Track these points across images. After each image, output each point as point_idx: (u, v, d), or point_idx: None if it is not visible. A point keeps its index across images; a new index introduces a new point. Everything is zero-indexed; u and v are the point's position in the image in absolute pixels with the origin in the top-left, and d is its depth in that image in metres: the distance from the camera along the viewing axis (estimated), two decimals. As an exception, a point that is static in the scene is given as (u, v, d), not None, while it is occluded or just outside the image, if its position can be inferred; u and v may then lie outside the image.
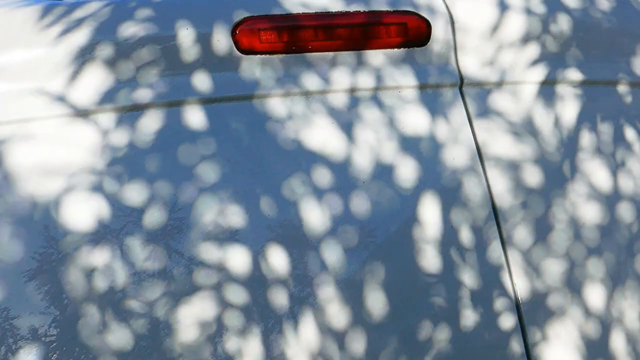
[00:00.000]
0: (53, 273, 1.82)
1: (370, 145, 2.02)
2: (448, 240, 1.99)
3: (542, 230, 2.06)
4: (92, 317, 1.81)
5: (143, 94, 1.94)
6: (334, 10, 2.04)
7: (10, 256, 1.82)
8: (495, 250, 2.01)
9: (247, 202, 1.92)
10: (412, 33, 2.08)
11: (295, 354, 1.87)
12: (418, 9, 2.08)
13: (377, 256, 1.95)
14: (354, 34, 2.04)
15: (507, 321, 1.99)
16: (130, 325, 1.82)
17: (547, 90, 2.15)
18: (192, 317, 1.84)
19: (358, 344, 1.91)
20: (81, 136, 1.90)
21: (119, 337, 1.81)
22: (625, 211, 2.14)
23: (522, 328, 2.00)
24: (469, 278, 1.98)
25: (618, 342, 2.06)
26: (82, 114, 1.91)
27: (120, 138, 1.91)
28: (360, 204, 1.97)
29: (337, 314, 1.90)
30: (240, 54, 1.99)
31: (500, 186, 2.06)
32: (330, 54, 2.04)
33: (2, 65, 1.91)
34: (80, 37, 1.94)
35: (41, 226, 1.84)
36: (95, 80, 1.93)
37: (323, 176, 1.97)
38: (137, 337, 1.82)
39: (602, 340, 2.05)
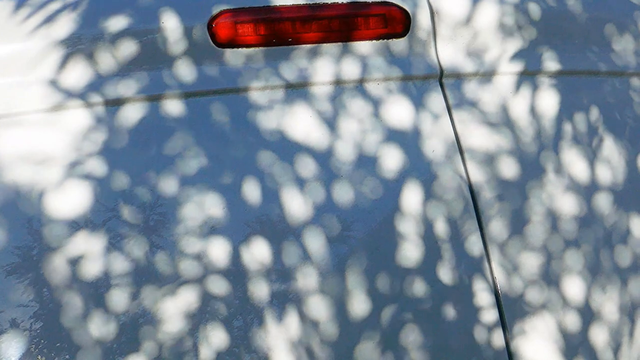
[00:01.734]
0: (35, 266, 1.82)
1: (350, 138, 2.01)
2: (428, 232, 1.99)
3: (522, 222, 2.06)
4: (74, 310, 1.81)
5: (120, 88, 1.93)
6: (312, 2, 2.02)
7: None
8: (475, 243, 2.01)
9: (229, 195, 1.91)
10: (392, 24, 2.06)
11: (277, 346, 1.88)
12: (397, -1, 2.07)
13: (357, 249, 1.95)
14: (332, 26, 2.03)
15: (487, 314, 1.99)
16: (113, 318, 1.82)
17: (527, 81, 2.15)
18: (175, 309, 1.85)
19: (339, 335, 1.91)
20: (62, 130, 1.89)
21: (101, 329, 1.82)
22: (605, 203, 2.14)
23: (502, 321, 2.00)
24: (449, 271, 1.99)
25: (597, 334, 2.06)
26: (62, 107, 1.90)
27: (99, 132, 1.91)
28: (340, 197, 1.97)
29: (318, 307, 1.91)
30: (217, 47, 1.97)
31: (480, 178, 2.05)
32: (310, 46, 2.02)
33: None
34: (59, 30, 1.93)
35: (24, 219, 1.84)
36: (72, 74, 1.92)
37: (304, 168, 1.97)
38: (119, 330, 1.82)
39: (581, 332, 2.05)
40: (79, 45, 1.92)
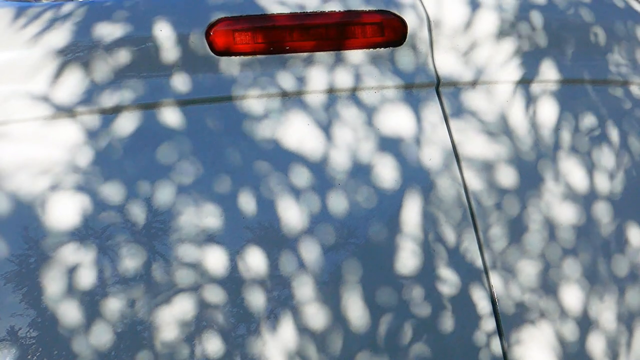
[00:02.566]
0: (33, 274, 1.82)
1: (347, 146, 2.01)
2: (425, 240, 1.99)
3: (519, 230, 2.06)
4: (71, 318, 1.81)
5: (118, 96, 1.93)
6: (309, 10, 2.03)
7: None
8: (472, 252, 2.01)
9: (225, 203, 1.91)
10: (388, 32, 2.07)
11: (274, 354, 1.87)
12: (394, 8, 2.07)
13: (354, 258, 1.95)
14: (329, 35, 2.03)
15: (485, 323, 1.99)
16: (110, 326, 1.82)
17: (524, 90, 2.15)
18: (172, 317, 1.84)
19: (336, 344, 1.91)
20: (58, 138, 1.89)
21: (99, 338, 1.81)
22: (602, 211, 2.14)
23: (499, 329, 2.00)
24: (446, 279, 1.98)
25: (595, 343, 2.06)
26: (58, 115, 1.90)
27: (97, 140, 1.90)
28: (337, 205, 1.97)
29: (316, 315, 1.90)
30: (215, 55, 1.98)
31: (477, 186, 2.05)
32: (307, 54, 2.02)
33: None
34: (55, 38, 1.93)
35: (20, 228, 1.84)
36: (70, 82, 1.92)
37: (300, 177, 1.97)
38: (117, 338, 1.82)
39: (579, 341, 2.05)
40: (77, 53, 1.92)
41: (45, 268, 1.82)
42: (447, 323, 1.96)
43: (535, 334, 2.02)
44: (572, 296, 2.06)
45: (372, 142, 2.02)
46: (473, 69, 2.12)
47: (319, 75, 2.03)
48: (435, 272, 1.98)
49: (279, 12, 2.01)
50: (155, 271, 1.85)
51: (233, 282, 1.88)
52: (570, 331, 2.04)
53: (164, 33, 1.96)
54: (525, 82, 2.15)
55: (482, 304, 1.99)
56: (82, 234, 1.84)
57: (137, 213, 1.87)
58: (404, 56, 2.08)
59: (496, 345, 1.98)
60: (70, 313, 1.81)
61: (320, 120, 2.01)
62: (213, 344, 1.85)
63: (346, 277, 1.93)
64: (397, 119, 2.05)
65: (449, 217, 2.01)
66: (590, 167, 2.15)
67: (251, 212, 1.92)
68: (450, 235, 2.01)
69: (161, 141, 1.93)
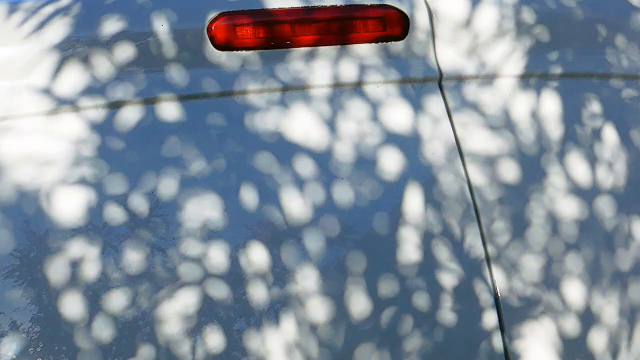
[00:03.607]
0: (34, 268, 1.82)
1: (350, 141, 2.01)
2: (428, 235, 1.99)
3: (522, 225, 2.05)
4: (73, 312, 1.81)
5: (119, 91, 1.93)
6: (310, 5, 2.02)
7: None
8: (474, 246, 2.01)
9: (228, 197, 1.91)
10: (390, 26, 2.06)
11: (277, 347, 1.88)
12: (396, 2, 2.07)
13: (357, 252, 1.95)
14: (330, 29, 2.03)
15: (487, 317, 1.99)
16: (112, 321, 1.82)
17: (527, 84, 2.15)
18: (174, 312, 1.84)
19: (338, 338, 1.91)
20: (59, 133, 1.89)
21: (100, 332, 1.81)
22: (605, 206, 2.14)
23: (501, 323, 2.00)
24: (448, 273, 1.98)
25: (597, 338, 2.06)
26: (59, 111, 1.90)
27: (98, 135, 1.90)
28: (340, 199, 1.97)
29: (318, 307, 1.91)
30: (216, 50, 1.97)
31: (480, 181, 2.05)
32: (308, 48, 2.02)
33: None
34: (56, 33, 1.93)
35: (22, 222, 1.84)
36: (70, 77, 1.92)
37: (303, 170, 1.97)
38: (118, 333, 1.82)
39: (581, 335, 2.05)
40: (77, 48, 1.93)
41: (47, 262, 1.82)
42: (449, 317, 1.96)
43: (536, 328, 2.02)
44: (574, 291, 2.06)
45: (375, 137, 2.02)
46: (476, 62, 2.12)
47: (321, 69, 2.03)
48: (438, 266, 1.98)
49: (280, 6, 2.01)
50: (158, 265, 1.86)
51: (236, 275, 1.88)
52: (572, 326, 2.04)
53: (165, 27, 1.96)
54: (528, 76, 2.15)
55: (485, 298, 1.99)
56: (83, 228, 1.85)
57: (140, 207, 1.88)
58: (406, 50, 2.08)
59: (497, 339, 1.98)
60: (72, 306, 1.81)
61: (322, 114, 2.01)
62: (216, 338, 1.86)
63: (349, 270, 1.93)
64: (399, 113, 2.05)
65: (452, 211, 2.01)
66: (594, 162, 2.15)
67: (254, 206, 1.92)
68: (453, 229, 2.00)
69: (163, 136, 1.93)
